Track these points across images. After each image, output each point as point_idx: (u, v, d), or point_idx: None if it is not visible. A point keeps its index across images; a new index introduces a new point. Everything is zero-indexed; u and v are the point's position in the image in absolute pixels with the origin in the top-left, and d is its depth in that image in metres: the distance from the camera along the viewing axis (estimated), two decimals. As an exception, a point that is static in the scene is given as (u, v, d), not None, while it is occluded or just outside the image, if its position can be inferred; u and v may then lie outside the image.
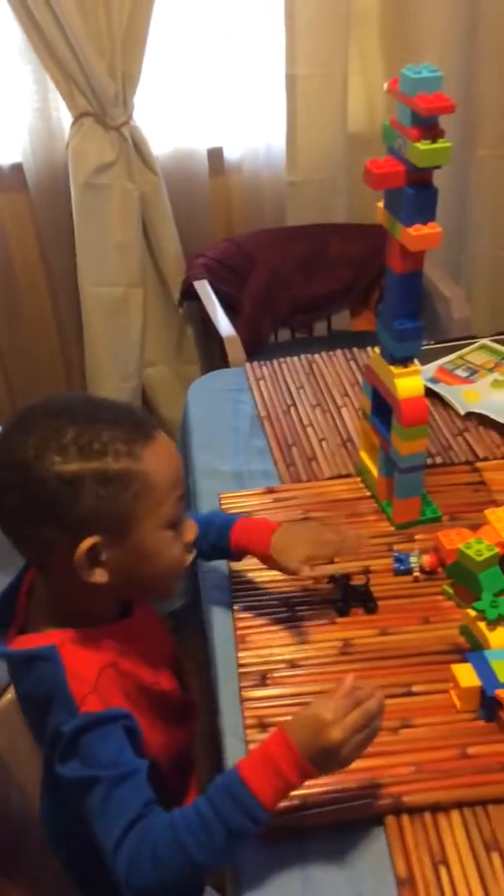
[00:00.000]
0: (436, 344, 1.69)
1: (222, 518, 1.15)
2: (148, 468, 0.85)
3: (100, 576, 0.86)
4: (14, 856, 0.96)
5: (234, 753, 0.98)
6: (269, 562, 1.10)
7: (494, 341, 1.66)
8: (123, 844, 0.80)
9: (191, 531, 0.94)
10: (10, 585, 0.96)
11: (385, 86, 1.06)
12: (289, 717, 0.98)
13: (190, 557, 0.94)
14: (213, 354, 2.23)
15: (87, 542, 0.84)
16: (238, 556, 1.15)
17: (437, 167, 1.02)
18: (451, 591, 1.15)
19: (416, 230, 1.04)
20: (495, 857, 0.86)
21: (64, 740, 0.84)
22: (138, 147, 2.19)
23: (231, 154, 2.35)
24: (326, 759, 0.82)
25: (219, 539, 1.12)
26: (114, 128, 2.14)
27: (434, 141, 1.00)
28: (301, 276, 2.34)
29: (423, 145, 0.99)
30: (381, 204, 1.11)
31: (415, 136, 1.00)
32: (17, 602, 0.95)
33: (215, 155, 2.33)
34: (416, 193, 1.03)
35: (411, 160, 1.01)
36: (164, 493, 0.87)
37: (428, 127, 1.00)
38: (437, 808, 0.91)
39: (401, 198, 1.05)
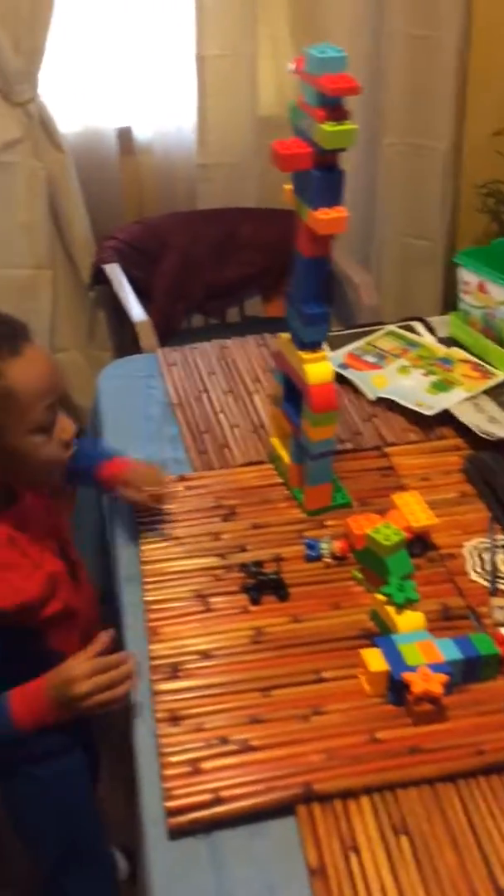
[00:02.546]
0: (345, 330, 1.70)
1: (102, 450, 1.28)
2: (12, 382, 0.93)
3: None
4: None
5: (145, 748, 0.96)
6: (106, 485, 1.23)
7: (401, 328, 1.67)
8: None
9: (66, 430, 1.01)
10: None
11: (290, 66, 1.04)
12: (200, 709, 0.99)
13: (69, 452, 1.03)
14: (125, 340, 2.18)
15: None
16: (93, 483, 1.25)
17: (343, 149, 1.01)
18: (360, 576, 1.15)
19: (324, 213, 1.03)
20: (404, 840, 0.86)
21: None
22: (45, 124, 2.12)
23: (141, 134, 2.30)
24: (72, 705, 0.96)
25: (87, 466, 1.22)
26: (19, 104, 2.06)
27: (340, 122, 0.98)
28: (213, 260, 2.31)
29: (329, 126, 0.98)
30: (288, 186, 1.10)
31: (321, 117, 0.98)
32: None
33: (125, 135, 2.28)
34: (322, 176, 1.02)
35: (318, 141, 1.00)
36: (30, 403, 0.95)
37: (334, 108, 0.99)
38: (347, 795, 0.90)
39: (308, 180, 1.03)
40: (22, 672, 1.00)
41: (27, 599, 1.00)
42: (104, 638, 1.00)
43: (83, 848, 1.24)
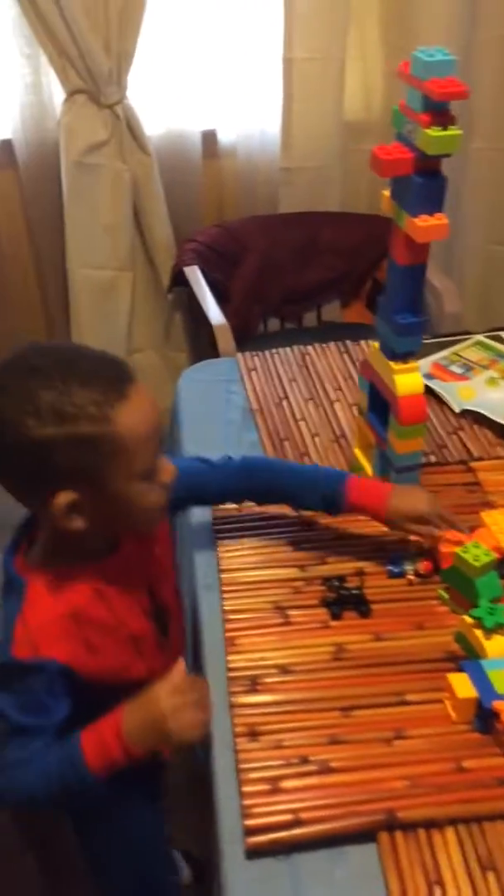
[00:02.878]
0: (429, 338, 1.66)
1: (333, 472, 1.18)
2: (120, 428, 0.87)
3: (78, 523, 0.89)
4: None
5: (223, 762, 0.94)
6: (384, 519, 1.13)
7: (489, 338, 1.62)
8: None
9: (166, 474, 0.96)
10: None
11: (394, 69, 1.01)
12: (279, 726, 0.97)
13: (165, 497, 0.97)
14: (201, 342, 2.18)
15: (62, 498, 0.87)
16: (344, 511, 1.15)
17: (447, 155, 0.98)
18: (446, 595, 1.11)
19: (423, 221, 1.00)
20: (491, 877, 0.83)
21: None
22: (131, 127, 2.13)
23: (225, 137, 2.30)
24: (150, 733, 0.89)
25: (331, 492, 1.13)
26: (107, 106, 2.08)
27: (445, 128, 0.95)
28: (292, 264, 2.29)
29: (434, 132, 0.95)
30: (386, 192, 1.07)
31: (426, 122, 0.95)
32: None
33: (209, 137, 2.28)
34: (424, 182, 0.99)
35: (421, 147, 0.97)
36: (136, 449, 0.89)
37: (439, 113, 0.96)
38: (431, 825, 0.87)
39: (409, 186, 1.00)
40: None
41: (105, 667, 0.96)
42: (181, 666, 0.93)
43: (153, 880, 1.22)
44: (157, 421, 0.92)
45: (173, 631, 1.10)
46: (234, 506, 1.25)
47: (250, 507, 1.25)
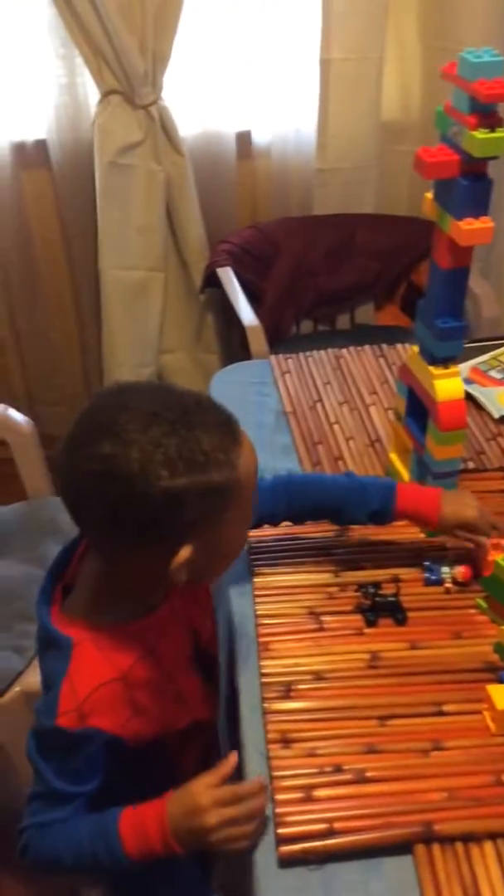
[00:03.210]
0: (467, 343, 1.64)
1: (378, 484, 1.12)
2: (241, 474, 0.84)
3: (182, 575, 0.85)
4: (10, 846, 0.95)
5: (254, 768, 0.93)
6: (435, 527, 1.11)
7: (529, 342, 1.60)
8: (27, 831, 0.90)
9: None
10: (67, 547, 0.96)
11: (433, 69, 0.99)
12: (313, 733, 0.95)
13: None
14: (232, 344, 2.18)
15: (185, 552, 0.83)
16: (394, 520, 1.13)
17: (494, 158, 0.96)
18: (485, 604, 1.09)
19: (468, 224, 0.99)
20: (531, 894, 0.81)
21: (35, 728, 0.88)
22: (166, 128, 2.13)
23: (259, 138, 2.29)
24: (195, 839, 0.85)
25: (382, 506, 1.10)
26: (142, 107, 2.08)
27: (493, 130, 0.94)
28: (326, 266, 2.28)
29: (480, 134, 0.93)
30: (429, 194, 1.06)
31: (472, 124, 0.94)
32: (70, 561, 0.95)
33: (244, 138, 2.27)
34: (470, 185, 0.98)
35: (467, 149, 0.96)
36: (249, 492, 0.87)
37: (486, 114, 0.94)
38: (469, 838, 0.86)
39: (454, 189, 0.99)
40: (127, 784, 0.91)
41: (152, 726, 0.92)
42: (232, 759, 0.88)
43: None
44: (257, 462, 0.89)
45: (216, 676, 1.07)
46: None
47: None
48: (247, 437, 0.88)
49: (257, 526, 1.15)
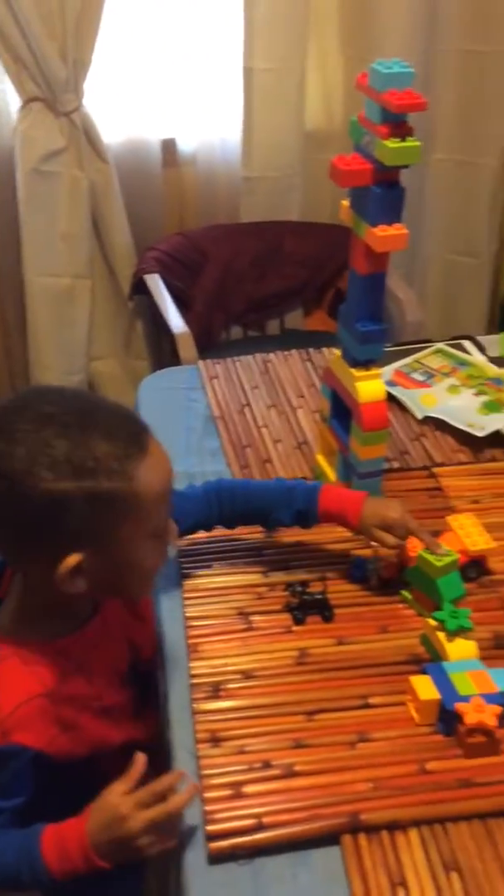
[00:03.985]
0: (391, 346, 1.68)
1: (304, 486, 1.13)
2: (139, 486, 0.82)
3: (79, 586, 0.84)
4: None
5: (184, 768, 0.94)
6: (357, 529, 1.10)
7: (450, 346, 1.65)
8: None
9: (173, 532, 0.92)
10: (1, 561, 0.94)
11: (354, 79, 1.02)
12: (242, 731, 0.96)
13: (166, 559, 0.92)
14: (162, 350, 2.18)
15: (71, 560, 0.81)
16: (318, 523, 1.13)
17: (405, 166, 0.99)
18: (409, 596, 1.12)
19: (382, 230, 1.02)
20: (454, 877, 0.84)
21: None
22: (89, 135, 2.13)
23: (185, 146, 2.30)
24: (121, 848, 0.83)
25: (306, 506, 1.10)
26: (64, 114, 2.07)
27: (403, 139, 0.97)
28: (254, 273, 2.30)
29: (392, 143, 0.96)
30: (345, 202, 1.09)
31: (384, 134, 0.97)
32: (2, 575, 0.93)
33: (169, 146, 2.28)
34: (383, 193, 1.01)
35: (380, 158, 0.99)
36: (152, 508, 0.85)
37: (397, 124, 0.97)
38: (395, 827, 0.88)
39: (367, 197, 1.02)
40: (62, 800, 0.88)
41: (79, 743, 0.91)
42: (141, 761, 0.86)
43: None
44: (172, 477, 0.87)
45: (152, 696, 1.05)
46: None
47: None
48: (161, 451, 0.86)
49: (191, 532, 1.16)
